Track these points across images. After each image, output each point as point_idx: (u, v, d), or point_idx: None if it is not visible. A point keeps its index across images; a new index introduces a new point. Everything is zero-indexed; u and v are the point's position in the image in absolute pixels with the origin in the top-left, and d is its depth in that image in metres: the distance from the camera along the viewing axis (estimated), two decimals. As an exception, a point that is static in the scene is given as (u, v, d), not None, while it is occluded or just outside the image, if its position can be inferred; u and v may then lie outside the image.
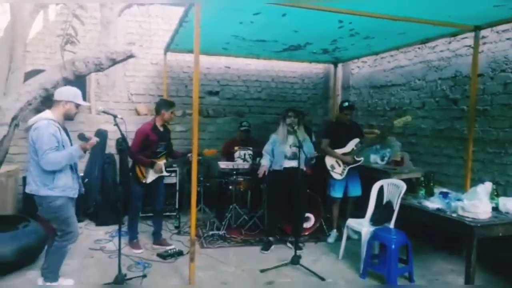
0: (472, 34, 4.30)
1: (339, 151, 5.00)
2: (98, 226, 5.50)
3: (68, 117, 3.39)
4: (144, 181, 4.52)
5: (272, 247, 4.77)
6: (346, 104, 5.16)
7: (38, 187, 3.20)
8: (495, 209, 3.55)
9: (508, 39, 4.37)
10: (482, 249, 3.30)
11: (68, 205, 3.33)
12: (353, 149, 4.96)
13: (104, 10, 4.46)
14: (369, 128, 6.49)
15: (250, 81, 7.32)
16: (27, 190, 3.28)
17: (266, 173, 4.82)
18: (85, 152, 3.31)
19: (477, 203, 3.34)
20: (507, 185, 4.27)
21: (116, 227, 4.68)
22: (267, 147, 4.91)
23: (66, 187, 3.27)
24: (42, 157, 3.10)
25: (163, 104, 4.61)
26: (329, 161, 5.03)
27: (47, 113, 3.27)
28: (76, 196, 3.39)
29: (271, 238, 4.84)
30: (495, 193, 3.71)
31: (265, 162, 4.84)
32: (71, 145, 3.36)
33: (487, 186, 3.62)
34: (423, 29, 4.27)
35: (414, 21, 3.93)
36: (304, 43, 5.28)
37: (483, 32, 4.37)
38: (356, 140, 4.99)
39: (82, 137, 3.35)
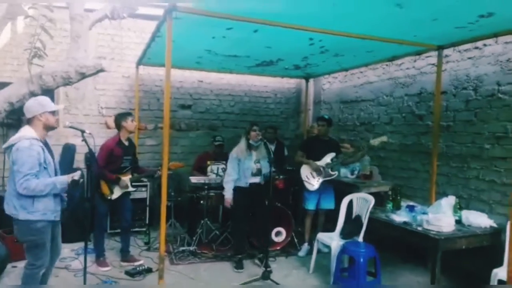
0: (436, 53, 4.49)
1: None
2: (63, 243, 5.27)
3: (50, 128, 3.19)
4: (109, 198, 4.43)
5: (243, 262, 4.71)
6: (321, 116, 5.37)
7: (17, 210, 2.97)
8: (459, 222, 3.67)
9: (469, 58, 4.57)
10: (447, 260, 3.40)
11: (48, 230, 3.09)
12: (328, 162, 4.99)
13: (74, 23, 4.41)
14: (341, 143, 6.62)
15: (223, 95, 7.34)
16: (6, 211, 3.04)
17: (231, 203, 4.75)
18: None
19: (441, 217, 3.45)
20: (469, 199, 4.42)
21: (82, 244, 4.55)
22: (230, 172, 4.71)
23: (46, 209, 3.03)
24: (19, 181, 2.88)
25: (119, 118, 4.54)
26: (304, 172, 5.05)
27: (28, 131, 3.04)
28: (58, 219, 3.15)
29: (240, 256, 4.74)
30: (458, 206, 3.84)
31: (228, 194, 4.70)
32: (53, 160, 3.17)
33: (451, 199, 3.75)
34: (390, 47, 4.42)
35: (382, 40, 4.06)
36: (276, 59, 5.37)
37: (446, 51, 4.58)
38: (332, 155, 5.02)
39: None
